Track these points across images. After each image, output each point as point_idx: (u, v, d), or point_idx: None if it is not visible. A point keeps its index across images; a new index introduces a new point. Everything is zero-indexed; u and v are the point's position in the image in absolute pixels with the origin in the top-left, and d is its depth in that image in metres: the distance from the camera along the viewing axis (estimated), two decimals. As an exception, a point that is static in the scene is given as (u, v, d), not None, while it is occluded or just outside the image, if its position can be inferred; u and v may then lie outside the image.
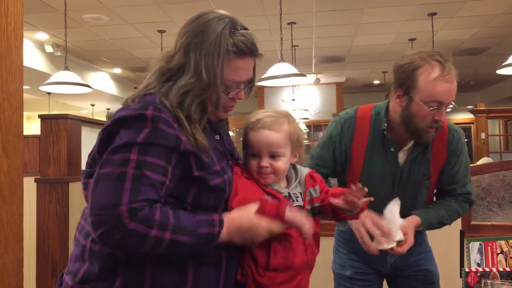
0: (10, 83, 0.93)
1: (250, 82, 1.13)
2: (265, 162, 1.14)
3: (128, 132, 0.94)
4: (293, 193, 1.17)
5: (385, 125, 1.51)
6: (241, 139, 1.21)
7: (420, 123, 1.41)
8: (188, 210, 0.99)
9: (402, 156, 1.53)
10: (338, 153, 1.56)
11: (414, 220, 1.48)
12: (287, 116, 1.20)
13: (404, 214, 1.46)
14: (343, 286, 1.65)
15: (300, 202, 1.16)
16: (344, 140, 1.55)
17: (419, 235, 1.57)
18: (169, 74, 1.05)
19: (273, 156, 1.15)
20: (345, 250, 1.67)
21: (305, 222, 1.04)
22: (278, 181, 1.17)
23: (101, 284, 0.96)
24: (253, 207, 1.03)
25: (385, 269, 1.62)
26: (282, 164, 1.16)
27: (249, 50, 1.06)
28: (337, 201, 1.16)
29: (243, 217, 1.01)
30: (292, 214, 1.04)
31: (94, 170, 0.99)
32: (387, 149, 1.52)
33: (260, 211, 1.02)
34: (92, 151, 1.07)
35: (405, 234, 1.40)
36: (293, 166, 1.22)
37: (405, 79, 1.43)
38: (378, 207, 1.42)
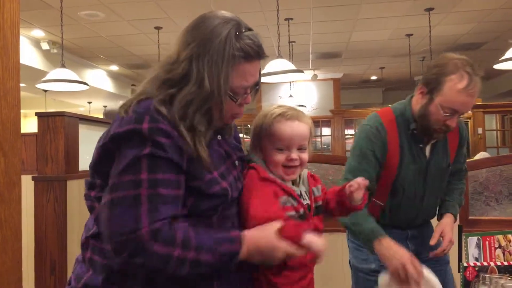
0: (7, 80, 0.92)
1: (256, 84, 1.08)
2: (296, 154, 1.12)
3: (131, 150, 0.91)
4: (302, 191, 1.16)
5: (414, 125, 1.57)
6: (256, 133, 1.17)
7: (432, 123, 1.51)
8: (202, 226, 0.97)
9: (427, 149, 1.61)
10: (379, 159, 1.59)
11: (449, 217, 1.62)
12: (302, 111, 1.21)
13: (432, 203, 1.64)
14: (367, 280, 1.67)
15: (308, 201, 1.16)
16: (380, 145, 1.58)
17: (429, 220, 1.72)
18: (170, 83, 1.00)
19: (300, 148, 1.14)
20: None
21: (321, 247, 1.01)
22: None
23: None
24: (273, 227, 1.00)
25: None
26: (307, 156, 1.16)
27: (256, 54, 1.01)
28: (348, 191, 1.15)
29: (263, 238, 0.98)
30: (309, 238, 1.00)
31: (95, 182, 1.00)
32: (415, 146, 1.59)
33: (279, 232, 0.99)
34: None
35: (444, 235, 1.53)
36: None
37: (432, 80, 1.50)
38: (413, 206, 1.60)
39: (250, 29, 1.03)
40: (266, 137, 1.15)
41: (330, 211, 1.23)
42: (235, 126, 1.23)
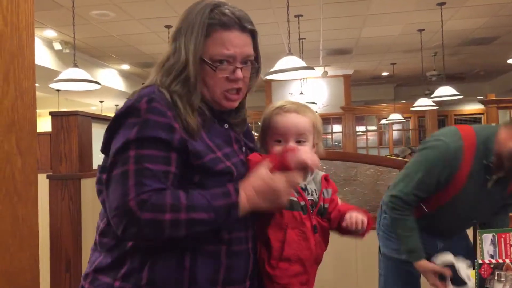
0: (23, 81, 0.93)
1: (248, 59, 1.07)
2: (292, 145, 1.13)
3: (124, 131, 0.96)
4: (309, 187, 1.16)
5: (493, 159, 1.53)
6: (261, 129, 1.19)
7: None
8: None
9: (491, 180, 1.58)
10: (442, 180, 1.57)
11: None
12: (308, 106, 1.21)
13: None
14: (398, 268, 1.74)
15: (315, 198, 1.16)
16: (450, 168, 1.56)
17: (464, 232, 1.73)
18: (168, 66, 1.06)
19: (299, 141, 1.14)
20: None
21: (310, 156, 1.02)
22: None
23: (109, 273, 1.00)
24: (262, 167, 1.01)
25: (435, 253, 1.68)
26: (307, 150, 1.15)
27: (233, 23, 1.03)
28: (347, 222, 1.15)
29: (256, 180, 1.00)
30: (295, 155, 1.02)
31: (105, 165, 1.03)
32: (483, 176, 1.57)
33: (270, 168, 1.00)
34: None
35: None
36: None
37: None
38: (457, 224, 1.62)
39: (235, 9, 1.06)
40: (268, 130, 1.17)
41: (334, 228, 1.22)
42: (247, 124, 1.24)
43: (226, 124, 1.10)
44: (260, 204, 0.99)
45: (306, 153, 1.03)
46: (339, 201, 1.23)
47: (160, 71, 1.06)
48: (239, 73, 1.05)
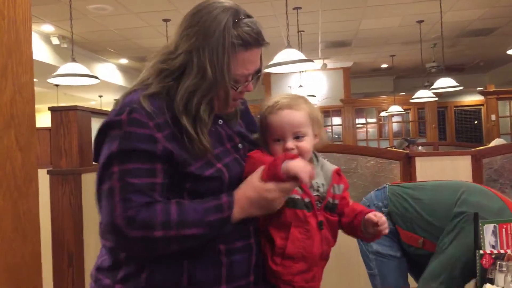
0: (21, 75, 0.93)
1: (258, 72, 1.09)
2: (291, 143, 1.11)
3: (107, 144, 0.96)
4: (315, 182, 1.14)
5: None
6: (259, 127, 1.18)
7: None
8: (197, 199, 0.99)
9: None
10: None
11: None
12: (302, 97, 1.19)
13: None
14: (392, 263, 1.72)
15: (321, 193, 1.14)
16: None
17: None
18: (166, 74, 1.02)
19: (297, 137, 1.13)
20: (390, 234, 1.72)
21: (302, 167, 0.99)
22: None
23: (109, 274, 1.01)
24: (255, 175, 1.01)
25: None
26: (306, 144, 1.13)
27: (255, 41, 1.02)
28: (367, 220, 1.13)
29: (248, 188, 1.00)
30: (286, 165, 0.99)
31: None
32: None
33: (261, 176, 1.00)
34: None
35: None
36: (314, 154, 1.19)
37: None
38: None
39: (248, 16, 1.03)
40: (265, 129, 1.15)
41: (341, 224, 1.20)
42: (248, 108, 1.23)
43: (220, 120, 1.09)
44: (253, 212, 1.00)
45: (297, 165, 1.00)
46: (350, 201, 1.21)
47: (158, 77, 1.02)
48: (250, 87, 1.08)
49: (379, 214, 1.12)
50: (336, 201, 1.17)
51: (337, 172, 1.20)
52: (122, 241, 0.92)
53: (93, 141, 1.04)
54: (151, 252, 0.95)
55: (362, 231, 1.15)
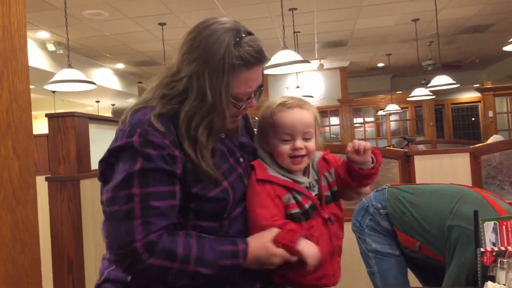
0: (17, 84, 0.92)
1: (260, 87, 1.08)
2: (300, 143, 1.10)
3: (124, 164, 0.94)
4: (309, 182, 1.14)
5: None
6: (260, 126, 1.17)
7: None
8: (211, 237, 1.00)
9: None
10: None
11: None
12: (305, 99, 1.20)
13: None
14: (392, 260, 1.73)
15: (317, 191, 1.14)
16: None
17: None
18: (170, 98, 1.03)
19: (305, 138, 1.12)
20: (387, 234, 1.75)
21: (312, 256, 1.03)
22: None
23: (118, 285, 1.01)
24: (270, 234, 1.02)
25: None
26: (313, 145, 1.13)
27: (256, 60, 1.02)
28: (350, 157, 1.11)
29: (260, 248, 1.01)
30: (303, 246, 1.03)
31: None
32: None
33: (275, 239, 1.02)
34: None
35: None
36: None
37: None
38: None
39: (249, 33, 1.03)
40: (271, 128, 1.13)
41: (346, 186, 1.17)
42: (247, 116, 1.23)
43: (222, 134, 1.09)
44: (252, 266, 1.02)
45: (311, 252, 1.03)
46: None
47: (162, 100, 1.02)
48: (253, 103, 1.08)
49: (354, 143, 1.11)
50: (334, 188, 1.16)
51: (323, 158, 1.18)
52: (138, 266, 0.90)
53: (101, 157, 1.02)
54: (157, 281, 0.94)
55: (357, 167, 1.12)
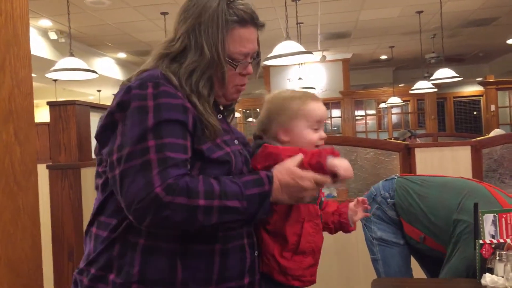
0: (19, 69, 0.92)
1: (257, 55, 1.10)
2: (324, 134, 1.17)
3: (136, 118, 0.92)
4: None
5: None
6: (276, 117, 1.18)
7: None
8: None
9: None
10: None
11: None
12: None
13: None
14: (396, 248, 1.75)
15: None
16: None
17: None
18: (170, 57, 1.03)
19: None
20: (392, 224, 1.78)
21: (348, 168, 1.00)
22: None
23: (102, 266, 0.97)
24: (294, 160, 1.00)
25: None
26: None
27: (250, 18, 1.04)
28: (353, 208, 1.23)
29: (284, 172, 0.97)
30: (333, 161, 0.99)
31: (101, 156, 1.00)
32: None
33: (303, 162, 0.98)
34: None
35: None
36: None
37: None
38: None
39: (247, 3, 1.05)
40: (301, 118, 1.14)
41: (323, 222, 1.22)
42: (242, 134, 1.22)
43: (219, 115, 1.09)
44: (281, 198, 0.97)
45: (345, 164, 1.00)
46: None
47: (160, 61, 1.03)
48: (250, 69, 1.08)
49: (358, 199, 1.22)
50: (322, 198, 1.23)
51: None
52: (162, 212, 0.86)
53: (106, 114, 0.98)
54: (191, 225, 0.90)
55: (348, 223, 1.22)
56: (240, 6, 1.03)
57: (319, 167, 0.97)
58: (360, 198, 1.23)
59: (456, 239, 1.53)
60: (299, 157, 1.00)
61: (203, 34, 1.00)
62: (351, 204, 1.23)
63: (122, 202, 0.90)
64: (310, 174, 0.97)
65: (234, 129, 1.16)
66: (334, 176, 0.98)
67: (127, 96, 0.94)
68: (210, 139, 0.98)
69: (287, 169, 0.98)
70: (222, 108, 1.12)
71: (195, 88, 1.00)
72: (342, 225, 1.22)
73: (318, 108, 1.16)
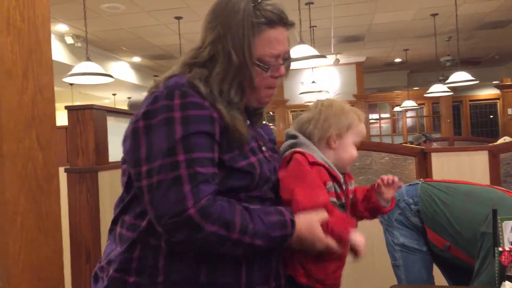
0: (42, 76, 0.94)
1: (288, 56, 1.07)
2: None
3: (163, 131, 0.91)
4: (343, 180, 1.17)
5: None
6: (337, 124, 1.20)
7: None
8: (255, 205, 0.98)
9: None
10: None
11: None
12: None
13: None
14: (418, 255, 1.73)
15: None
16: None
17: None
18: (198, 65, 1.02)
19: None
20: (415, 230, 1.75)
21: (362, 245, 1.05)
22: None
23: (124, 267, 0.97)
24: (319, 217, 1.01)
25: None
26: None
27: (279, 19, 1.01)
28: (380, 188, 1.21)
29: (308, 228, 1.00)
30: (355, 238, 1.04)
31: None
32: None
33: (327, 225, 1.01)
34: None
35: None
36: None
37: None
38: None
39: (274, 3, 1.04)
40: (354, 132, 1.21)
41: (357, 211, 1.23)
42: (270, 129, 1.23)
43: (247, 121, 1.08)
44: (293, 243, 1.00)
45: (364, 241, 1.06)
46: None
47: (191, 68, 1.01)
48: (283, 70, 1.06)
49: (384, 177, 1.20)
50: (351, 196, 1.20)
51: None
52: (196, 235, 0.88)
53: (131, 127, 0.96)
54: (216, 249, 0.93)
55: (380, 202, 1.20)
56: (267, 7, 1.01)
57: (339, 239, 1.01)
58: (383, 178, 1.21)
59: (485, 253, 1.48)
60: (324, 215, 1.01)
61: (230, 40, 0.99)
62: (376, 187, 1.21)
63: (150, 212, 0.91)
64: (329, 241, 1.00)
65: (262, 132, 1.15)
66: (351, 249, 1.04)
67: (154, 106, 0.94)
68: (237, 148, 0.98)
69: (310, 226, 1.00)
70: (251, 113, 1.11)
71: (227, 96, 0.99)
72: (375, 209, 1.22)
73: (364, 130, 1.23)
